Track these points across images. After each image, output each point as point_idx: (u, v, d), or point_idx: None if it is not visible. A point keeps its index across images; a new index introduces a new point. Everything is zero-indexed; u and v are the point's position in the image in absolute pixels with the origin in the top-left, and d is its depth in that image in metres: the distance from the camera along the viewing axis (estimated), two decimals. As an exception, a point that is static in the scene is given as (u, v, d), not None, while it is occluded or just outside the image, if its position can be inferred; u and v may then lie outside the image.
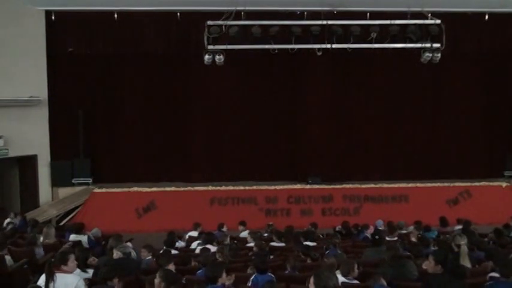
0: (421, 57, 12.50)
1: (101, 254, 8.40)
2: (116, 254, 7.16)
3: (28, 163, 14.68)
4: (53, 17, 14.45)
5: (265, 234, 10.66)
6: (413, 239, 9.35)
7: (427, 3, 11.80)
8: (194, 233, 10.78)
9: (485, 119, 15.91)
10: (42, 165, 14.71)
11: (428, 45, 12.23)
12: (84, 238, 9.58)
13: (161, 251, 7.96)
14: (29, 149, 14.38)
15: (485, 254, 7.50)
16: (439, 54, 12.29)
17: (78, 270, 6.19)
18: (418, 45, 12.30)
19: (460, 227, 10.55)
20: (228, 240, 9.53)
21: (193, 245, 9.60)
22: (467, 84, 15.81)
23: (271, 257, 8.26)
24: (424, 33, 12.19)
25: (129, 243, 8.56)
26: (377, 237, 8.34)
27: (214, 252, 7.84)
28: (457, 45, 14.24)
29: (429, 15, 11.95)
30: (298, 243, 8.95)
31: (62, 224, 13.28)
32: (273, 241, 9.63)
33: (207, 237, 9.19)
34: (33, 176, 14.71)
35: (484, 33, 15.09)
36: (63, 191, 14.73)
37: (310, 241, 9.20)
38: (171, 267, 6.45)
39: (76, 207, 14.11)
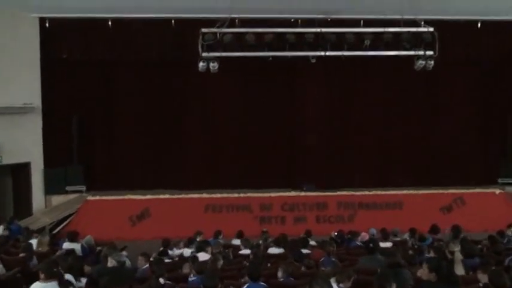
0: (415, 65, 12.55)
1: (94, 262, 8.36)
2: (111, 263, 7.14)
3: (21, 170, 14.59)
4: (47, 24, 14.42)
5: (260, 242, 10.63)
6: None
7: (420, 11, 11.85)
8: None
9: (479, 126, 16.01)
10: (35, 173, 14.62)
11: (421, 52, 12.27)
12: (77, 246, 9.52)
13: (152, 259, 7.93)
14: (22, 156, 14.30)
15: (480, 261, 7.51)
16: (433, 62, 12.33)
17: (71, 277, 6.16)
18: (412, 52, 12.34)
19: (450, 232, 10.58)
20: (220, 249, 9.47)
21: (187, 252, 9.56)
22: (460, 91, 15.92)
23: (269, 264, 8.25)
24: (417, 40, 12.23)
25: (123, 252, 8.52)
26: (371, 245, 8.33)
27: (207, 260, 7.82)
28: (450, 53, 14.26)
29: (422, 23, 12.01)
30: (292, 250, 8.92)
31: (55, 232, 13.20)
32: (270, 248, 9.63)
33: (200, 245, 9.16)
34: (27, 184, 14.62)
35: (477, 41, 15.18)
36: (57, 199, 14.66)
37: (305, 248, 9.20)
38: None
39: (69, 215, 14.00)
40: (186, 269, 7.66)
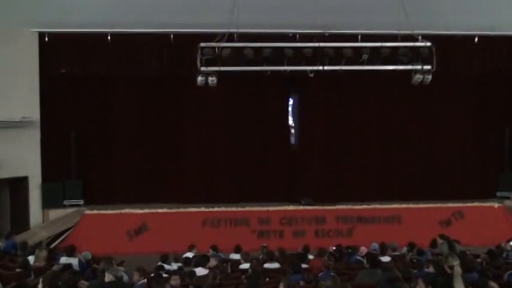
0: (412, 79, 12.59)
1: (91, 277, 8.30)
2: (108, 277, 7.08)
3: (19, 184, 14.55)
4: (47, 39, 14.48)
5: (261, 256, 10.57)
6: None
7: (417, 26, 11.92)
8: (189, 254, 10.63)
9: (477, 139, 16.08)
10: (33, 187, 14.57)
11: (419, 67, 12.30)
12: (75, 261, 9.44)
13: (152, 275, 7.89)
14: (20, 170, 14.27)
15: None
16: (430, 76, 12.35)
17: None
18: (409, 67, 12.38)
19: (441, 241, 10.56)
20: (215, 262, 9.38)
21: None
22: (458, 106, 16.01)
23: (267, 279, 8.20)
24: (414, 55, 12.29)
25: (120, 267, 8.46)
26: (373, 259, 8.32)
27: (206, 275, 7.78)
28: (447, 67, 14.40)
29: (419, 37, 12.08)
30: (292, 264, 8.88)
31: (52, 246, 13.11)
32: (266, 263, 9.57)
33: (197, 260, 9.10)
34: (24, 198, 14.56)
35: (474, 56, 15.32)
36: (54, 213, 14.60)
37: (303, 263, 9.16)
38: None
39: (67, 230, 13.95)
40: (174, 280, 7.58)
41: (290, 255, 10.01)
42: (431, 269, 7.85)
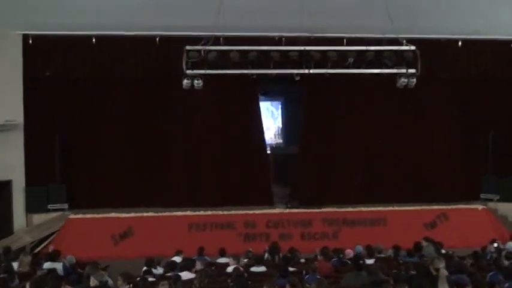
0: (397, 83, 12.69)
1: (76, 282, 8.22)
2: (93, 282, 7.04)
3: (2, 188, 14.35)
4: (31, 41, 14.35)
5: (245, 260, 10.55)
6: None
7: (402, 30, 12.03)
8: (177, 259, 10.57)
9: (462, 143, 16.22)
10: (16, 191, 14.41)
11: (403, 70, 12.41)
12: (59, 266, 9.35)
13: (138, 279, 7.83)
14: (4, 174, 14.09)
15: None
16: (415, 79, 12.47)
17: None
18: (394, 70, 12.48)
19: (426, 244, 10.63)
20: (201, 266, 9.35)
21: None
22: (443, 109, 16.18)
23: (250, 282, 8.18)
24: (399, 59, 12.38)
25: (105, 272, 8.38)
26: (361, 261, 8.36)
27: (192, 279, 7.74)
28: (432, 71, 14.51)
29: (404, 41, 12.19)
30: (278, 268, 8.88)
31: (36, 251, 12.96)
32: (252, 266, 9.56)
33: (183, 264, 9.06)
34: (7, 202, 14.38)
35: (459, 59, 15.52)
36: (38, 218, 14.44)
37: (290, 266, 9.16)
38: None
39: (51, 234, 13.79)
40: (163, 286, 7.53)
41: (276, 256, 10.05)
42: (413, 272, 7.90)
